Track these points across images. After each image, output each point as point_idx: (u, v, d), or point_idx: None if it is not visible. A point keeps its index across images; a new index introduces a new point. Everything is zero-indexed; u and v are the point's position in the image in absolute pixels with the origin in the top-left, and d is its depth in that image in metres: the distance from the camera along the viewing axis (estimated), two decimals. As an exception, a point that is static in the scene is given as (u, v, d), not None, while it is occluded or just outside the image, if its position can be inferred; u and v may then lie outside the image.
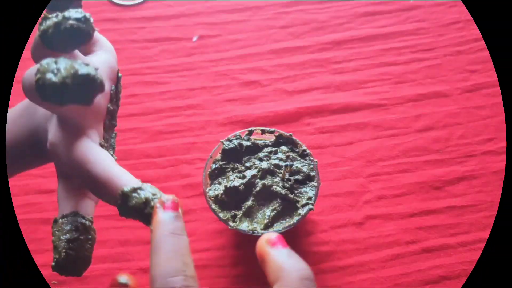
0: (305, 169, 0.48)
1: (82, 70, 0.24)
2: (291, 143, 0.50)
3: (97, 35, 0.32)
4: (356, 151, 0.57)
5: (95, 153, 0.28)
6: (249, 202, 0.46)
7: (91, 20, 0.26)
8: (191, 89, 0.62)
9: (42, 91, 0.24)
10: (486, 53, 0.64)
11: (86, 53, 0.31)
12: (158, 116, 0.60)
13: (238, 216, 0.45)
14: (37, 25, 0.27)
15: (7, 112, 0.31)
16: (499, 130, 0.58)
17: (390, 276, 0.49)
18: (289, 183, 0.47)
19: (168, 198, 0.25)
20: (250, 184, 0.47)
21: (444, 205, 0.53)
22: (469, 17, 0.67)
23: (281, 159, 0.48)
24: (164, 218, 0.24)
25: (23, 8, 0.30)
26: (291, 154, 0.49)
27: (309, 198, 0.47)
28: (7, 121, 0.32)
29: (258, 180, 0.47)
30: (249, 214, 0.46)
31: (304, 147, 0.49)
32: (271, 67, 0.64)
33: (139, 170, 0.56)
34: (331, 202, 0.54)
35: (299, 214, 0.46)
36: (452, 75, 0.62)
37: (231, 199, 0.46)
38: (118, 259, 0.51)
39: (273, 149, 0.49)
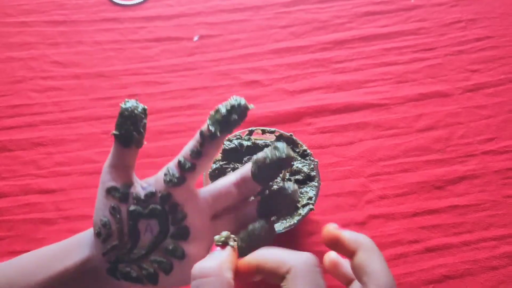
0: (305, 169, 0.48)
1: None
2: (292, 143, 0.50)
3: None
4: (357, 151, 0.57)
5: None
6: (250, 202, 0.46)
7: None
8: (192, 89, 0.62)
9: None
10: (487, 53, 0.64)
11: None
12: (159, 116, 0.60)
13: (239, 216, 0.45)
14: None
15: None
16: (500, 130, 0.58)
17: (393, 275, 0.49)
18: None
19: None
20: (251, 183, 0.46)
21: (446, 204, 0.53)
22: (470, 16, 0.67)
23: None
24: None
25: None
26: (292, 154, 0.49)
27: (310, 198, 0.46)
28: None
29: (259, 180, 0.46)
30: (250, 214, 0.46)
31: (305, 147, 0.49)
32: (272, 67, 0.64)
33: (139, 170, 0.55)
34: (333, 202, 0.54)
35: (300, 214, 0.45)
36: (453, 75, 0.62)
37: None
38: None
39: (274, 148, 0.49)
